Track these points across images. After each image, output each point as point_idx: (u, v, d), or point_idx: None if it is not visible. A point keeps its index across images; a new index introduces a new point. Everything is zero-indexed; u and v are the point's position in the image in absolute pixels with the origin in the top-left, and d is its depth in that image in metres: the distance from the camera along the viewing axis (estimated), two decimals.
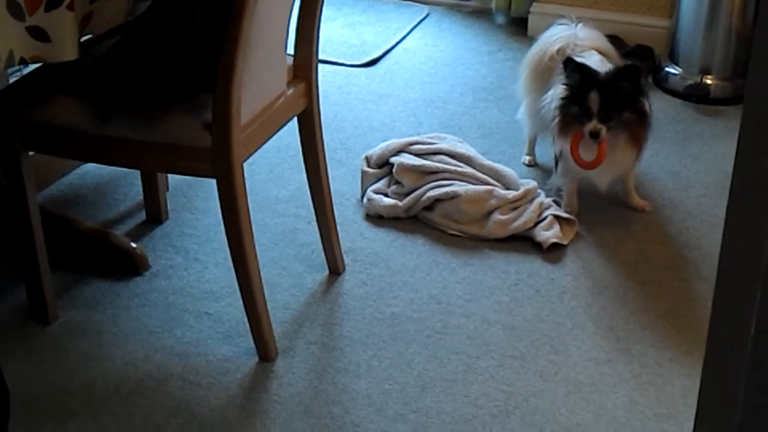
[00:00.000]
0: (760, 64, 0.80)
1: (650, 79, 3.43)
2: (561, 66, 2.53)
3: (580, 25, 2.78)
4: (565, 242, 2.51)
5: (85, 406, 1.98)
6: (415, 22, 3.87)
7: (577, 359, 2.14)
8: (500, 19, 3.88)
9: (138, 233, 2.54)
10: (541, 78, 2.72)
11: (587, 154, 2.51)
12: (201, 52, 1.94)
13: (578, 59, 2.52)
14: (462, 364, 2.11)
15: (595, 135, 2.46)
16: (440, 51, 3.66)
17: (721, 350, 0.92)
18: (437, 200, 2.59)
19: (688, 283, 2.39)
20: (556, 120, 2.55)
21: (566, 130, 2.53)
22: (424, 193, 2.60)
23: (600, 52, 2.67)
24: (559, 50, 2.68)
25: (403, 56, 3.62)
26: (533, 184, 2.66)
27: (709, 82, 3.31)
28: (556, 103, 2.55)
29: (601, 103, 2.45)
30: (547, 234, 2.50)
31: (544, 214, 2.55)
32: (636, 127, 2.51)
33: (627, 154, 2.54)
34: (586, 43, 2.70)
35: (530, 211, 2.54)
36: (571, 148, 2.52)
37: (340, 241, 2.40)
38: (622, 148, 2.52)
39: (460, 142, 2.85)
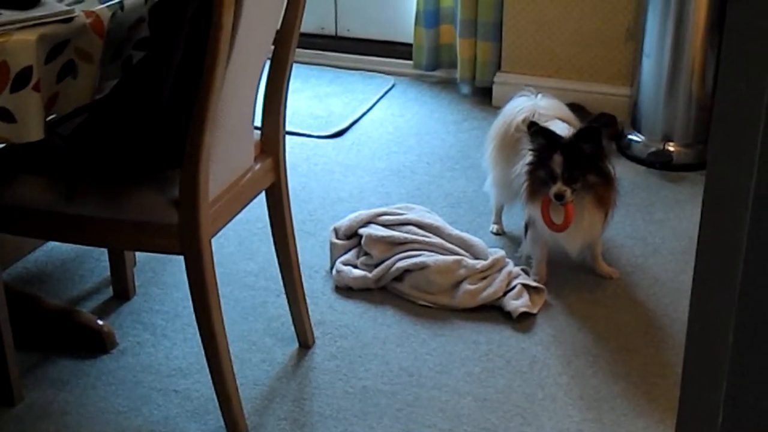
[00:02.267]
0: (720, 131, 0.82)
1: (614, 146, 3.48)
2: (527, 132, 2.57)
3: (540, 95, 2.82)
4: (534, 311, 2.52)
5: None
6: (381, 93, 3.92)
7: (549, 430, 2.12)
8: (465, 89, 3.94)
9: (105, 310, 2.52)
10: (508, 149, 2.75)
11: (556, 217, 2.53)
12: (168, 129, 1.95)
13: (542, 124, 2.56)
14: None
15: (559, 197, 2.49)
16: (406, 121, 3.70)
17: (691, 419, 0.92)
18: (406, 271, 2.59)
19: (658, 349, 2.40)
20: (525, 185, 2.58)
21: (535, 194, 2.56)
22: (393, 264, 2.60)
23: (562, 120, 2.71)
24: (523, 120, 2.71)
25: (370, 127, 3.65)
26: (501, 253, 2.67)
27: (671, 148, 3.36)
28: (523, 169, 2.58)
29: (565, 166, 2.48)
30: (516, 303, 2.50)
31: (513, 283, 2.56)
32: (602, 190, 2.55)
33: (595, 217, 2.57)
34: (549, 113, 2.74)
35: (499, 281, 2.55)
36: (542, 212, 2.54)
37: (310, 313, 2.39)
38: (590, 211, 2.55)
39: (428, 212, 2.87)
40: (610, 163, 2.56)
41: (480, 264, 2.59)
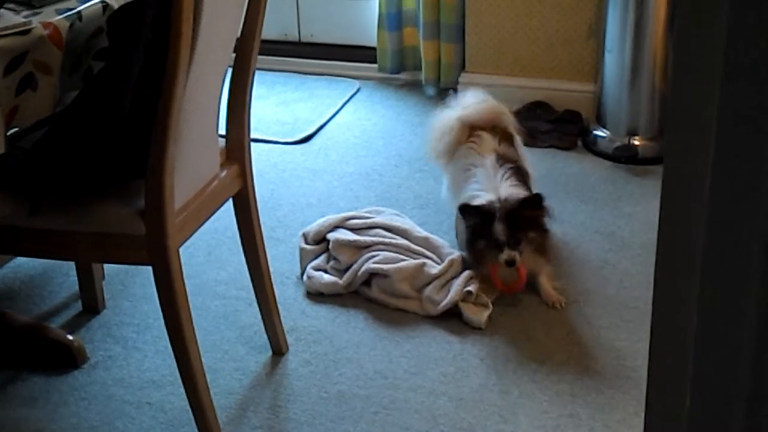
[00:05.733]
0: (676, 125, 0.82)
1: (580, 142, 3.50)
2: (458, 213, 2.63)
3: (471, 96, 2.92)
4: (482, 326, 2.48)
5: None
6: (346, 97, 3.91)
7: (527, 427, 2.13)
8: (430, 91, 3.94)
9: (75, 325, 2.49)
10: (449, 154, 2.85)
11: (508, 277, 2.56)
12: (130, 139, 1.93)
13: (473, 203, 2.59)
14: None
15: (511, 263, 2.52)
16: (373, 124, 3.70)
17: (660, 410, 0.92)
18: (374, 275, 2.58)
19: (630, 342, 2.41)
20: (469, 255, 2.61)
21: (480, 261, 2.58)
22: (360, 267, 2.60)
23: (495, 123, 2.82)
24: (450, 130, 2.82)
25: (336, 131, 3.65)
26: (457, 254, 2.65)
27: (636, 143, 3.38)
28: (464, 238, 2.62)
29: (508, 232, 2.52)
30: (473, 319, 2.48)
31: (469, 287, 2.53)
32: (540, 240, 2.60)
33: (536, 263, 2.61)
34: (474, 116, 2.83)
35: (456, 286, 2.53)
36: (492, 278, 2.55)
37: (283, 320, 2.38)
38: (531, 260, 2.59)
39: (398, 215, 2.87)
40: (546, 218, 2.62)
41: (435, 269, 2.58)
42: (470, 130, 2.83)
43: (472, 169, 2.74)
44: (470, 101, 2.90)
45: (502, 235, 2.51)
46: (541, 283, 2.61)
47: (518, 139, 2.93)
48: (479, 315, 2.48)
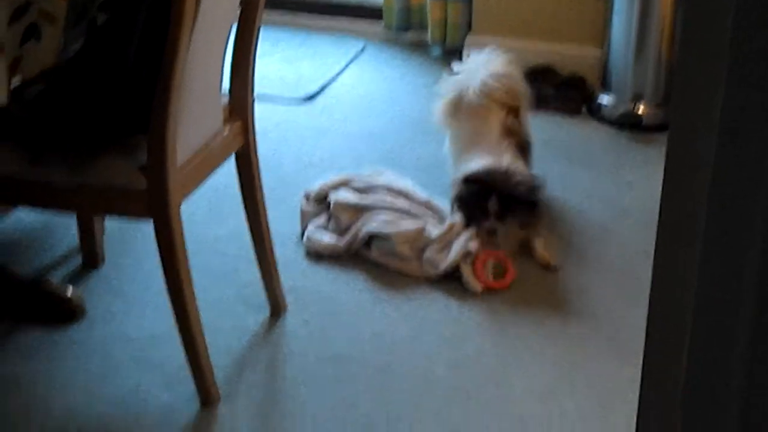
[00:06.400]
0: (682, 93, 0.82)
1: (584, 108, 3.48)
2: (458, 182, 2.64)
3: (491, 56, 2.89)
4: (478, 289, 2.49)
5: None
6: (351, 56, 3.88)
7: (521, 393, 2.14)
8: (436, 51, 3.91)
9: (74, 279, 2.49)
10: (458, 117, 2.84)
11: (495, 273, 2.53)
12: (134, 93, 1.92)
13: (473, 172, 2.60)
14: (407, 403, 2.10)
15: (492, 232, 2.54)
16: (377, 84, 3.67)
17: (656, 379, 0.93)
18: (373, 237, 2.58)
19: (628, 310, 2.41)
20: (459, 211, 2.61)
21: (470, 220, 2.58)
22: (360, 228, 2.59)
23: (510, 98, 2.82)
24: (473, 92, 2.79)
25: (340, 90, 3.62)
26: (458, 218, 2.64)
27: (641, 109, 3.37)
28: (456, 193, 2.63)
29: (500, 206, 2.54)
30: (471, 282, 2.48)
31: (470, 247, 2.54)
32: (529, 215, 2.59)
33: (528, 232, 2.61)
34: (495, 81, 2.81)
35: (457, 247, 2.53)
36: (477, 274, 2.50)
37: (282, 280, 2.38)
38: (523, 231, 2.60)
39: (400, 176, 2.86)
40: (541, 198, 2.62)
41: (436, 232, 2.58)
42: (484, 98, 2.80)
43: (477, 138, 2.73)
44: (491, 66, 2.85)
45: (493, 207, 2.53)
46: (535, 246, 2.62)
47: (526, 112, 2.91)
48: (477, 282, 2.48)
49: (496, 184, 2.57)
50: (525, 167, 2.69)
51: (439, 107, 2.93)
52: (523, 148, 2.76)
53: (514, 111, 2.83)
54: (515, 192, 2.56)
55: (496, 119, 2.77)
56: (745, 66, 0.75)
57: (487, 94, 2.79)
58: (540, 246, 2.60)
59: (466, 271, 2.49)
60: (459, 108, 2.84)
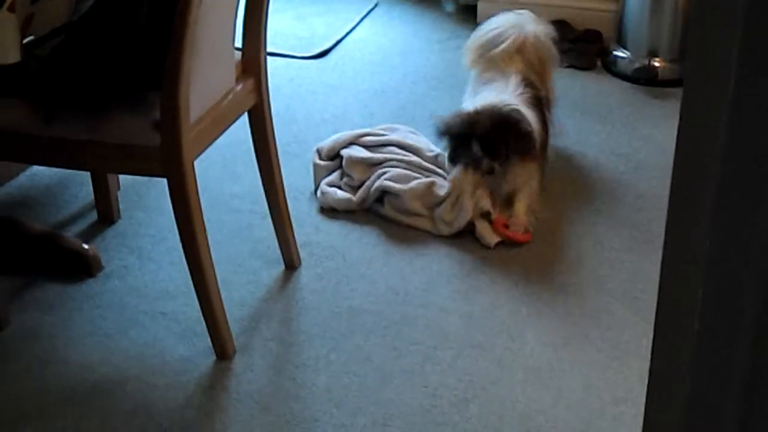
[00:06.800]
0: (698, 48, 0.81)
1: (599, 63, 3.46)
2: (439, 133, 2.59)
3: (523, 15, 2.83)
4: (492, 241, 2.49)
5: (39, 411, 1.96)
6: (364, 13, 3.86)
7: (534, 345, 2.15)
8: (449, 7, 3.89)
9: (90, 234, 2.51)
10: (483, 65, 2.79)
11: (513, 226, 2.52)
12: (147, 50, 1.92)
13: (451, 118, 2.56)
14: (420, 355, 2.12)
15: (490, 171, 2.50)
16: (390, 40, 3.66)
17: (668, 330, 0.93)
18: (386, 192, 2.58)
19: (641, 264, 2.42)
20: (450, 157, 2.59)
21: (464, 182, 2.54)
22: (372, 183, 2.60)
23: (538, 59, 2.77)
24: (502, 51, 2.74)
25: (353, 47, 3.61)
26: (456, 171, 2.62)
27: (656, 64, 3.34)
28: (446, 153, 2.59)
29: (488, 144, 2.47)
30: (485, 236, 2.49)
31: (484, 206, 2.53)
32: (526, 147, 2.54)
33: (519, 181, 2.56)
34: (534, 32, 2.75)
35: (468, 207, 2.51)
36: (500, 231, 2.50)
37: (296, 235, 2.39)
38: (513, 177, 2.55)
39: (413, 132, 2.86)
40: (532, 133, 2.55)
41: (444, 189, 2.57)
42: (515, 53, 2.75)
43: (490, 82, 2.71)
44: (526, 26, 2.80)
45: (476, 146, 2.48)
46: (516, 207, 2.55)
47: (551, 75, 2.86)
48: (491, 235, 2.49)
49: (475, 125, 2.50)
50: (531, 113, 2.61)
51: (467, 48, 2.87)
52: (539, 102, 2.72)
53: (539, 72, 2.80)
54: (497, 123, 2.49)
55: (516, 70, 2.72)
56: (761, 22, 0.75)
57: (517, 50, 2.74)
58: (521, 209, 2.55)
59: (481, 226, 2.50)
60: (485, 54, 2.78)
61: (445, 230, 2.51)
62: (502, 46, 2.74)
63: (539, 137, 2.59)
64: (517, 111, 2.54)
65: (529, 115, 2.59)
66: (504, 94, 2.63)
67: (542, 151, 2.64)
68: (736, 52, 0.76)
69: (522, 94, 2.65)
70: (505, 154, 2.50)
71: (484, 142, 2.48)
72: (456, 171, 2.56)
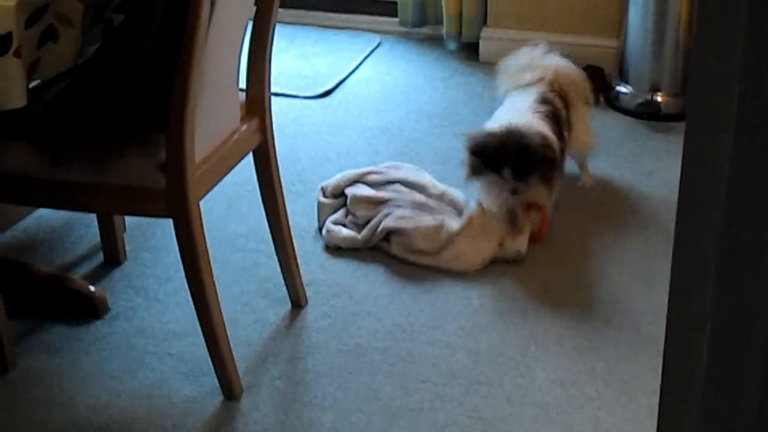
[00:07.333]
0: (699, 80, 0.82)
1: (602, 99, 3.47)
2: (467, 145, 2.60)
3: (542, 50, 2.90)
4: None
5: None
6: (367, 52, 3.89)
7: (543, 381, 2.14)
8: (452, 45, 3.91)
9: (96, 275, 2.52)
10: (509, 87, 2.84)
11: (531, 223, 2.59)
12: (152, 91, 1.93)
13: (481, 135, 2.58)
14: (428, 392, 2.11)
15: (514, 192, 2.53)
16: (394, 79, 3.68)
17: (677, 364, 0.93)
18: (392, 232, 2.58)
19: (648, 298, 2.41)
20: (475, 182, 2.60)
21: (488, 195, 2.57)
22: (379, 223, 2.60)
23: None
24: (529, 80, 2.78)
25: (357, 86, 3.63)
26: (476, 208, 2.63)
27: (659, 99, 3.36)
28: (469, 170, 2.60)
29: (514, 172, 2.50)
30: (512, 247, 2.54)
31: (504, 243, 2.56)
32: (546, 170, 2.56)
33: (539, 192, 2.58)
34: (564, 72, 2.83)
35: (488, 241, 2.54)
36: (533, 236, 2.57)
37: (302, 273, 2.39)
38: (536, 188, 2.57)
39: (417, 170, 2.86)
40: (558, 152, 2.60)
41: (455, 226, 2.58)
42: (545, 84, 2.78)
43: (510, 104, 2.74)
44: (556, 63, 2.85)
45: (508, 172, 2.50)
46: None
47: (581, 105, 2.88)
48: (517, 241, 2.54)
49: (507, 146, 2.51)
50: (546, 128, 2.61)
51: (499, 77, 2.91)
52: (557, 119, 2.70)
53: (566, 101, 2.80)
54: (526, 149, 2.51)
55: (536, 90, 2.75)
56: (761, 58, 0.75)
57: (550, 83, 2.77)
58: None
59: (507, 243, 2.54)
60: (513, 83, 2.83)
61: (464, 267, 2.52)
62: (534, 74, 2.79)
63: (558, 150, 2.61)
64: (544, 137, 2.57)
65: (545, 130, 2.60)
66: (522, 113, 2.64)
67: (559, 169, 2.66)
68: (737, 80, 0.77)
69: (537, 111, 2.66)
70: (529, 177, 2.53)
71: (514, 166, 2.51)
72: (484, 197, 2.58)
